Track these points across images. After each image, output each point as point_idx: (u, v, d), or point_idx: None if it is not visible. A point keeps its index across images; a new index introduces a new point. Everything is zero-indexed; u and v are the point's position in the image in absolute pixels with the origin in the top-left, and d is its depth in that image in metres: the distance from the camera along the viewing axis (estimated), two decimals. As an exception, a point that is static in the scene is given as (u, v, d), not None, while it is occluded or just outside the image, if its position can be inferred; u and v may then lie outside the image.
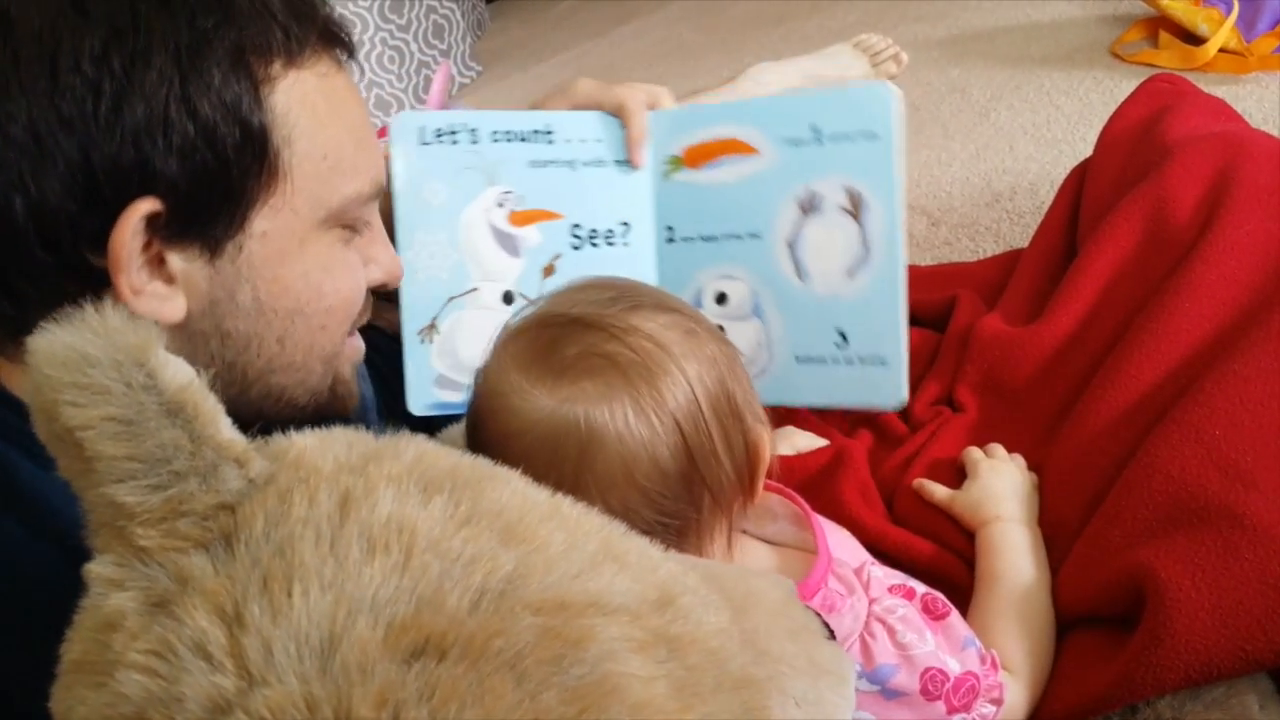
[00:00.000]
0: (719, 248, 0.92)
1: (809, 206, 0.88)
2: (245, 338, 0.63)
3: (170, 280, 0.59)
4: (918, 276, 1.03)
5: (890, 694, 0.60)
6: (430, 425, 0.70)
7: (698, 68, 2.05)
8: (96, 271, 0.56)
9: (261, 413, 0.65)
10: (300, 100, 0.61)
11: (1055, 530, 0.74)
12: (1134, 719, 0.61)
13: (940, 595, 0.64)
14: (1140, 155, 0.95)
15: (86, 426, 0.37)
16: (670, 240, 0.94)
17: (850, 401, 0.89)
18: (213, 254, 0.60)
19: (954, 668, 0.61)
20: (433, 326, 0.88)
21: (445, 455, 0.42)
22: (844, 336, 0.88)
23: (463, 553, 0.36)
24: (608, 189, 0.93)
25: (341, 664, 0.32)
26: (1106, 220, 0.90)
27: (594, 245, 0.92)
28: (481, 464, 0.43)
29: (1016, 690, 0.65)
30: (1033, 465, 0.80)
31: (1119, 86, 1.40)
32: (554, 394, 0.55)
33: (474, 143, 0.89)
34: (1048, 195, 1.18)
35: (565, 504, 0.43)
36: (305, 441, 0.41)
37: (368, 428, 0.44)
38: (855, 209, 0.86)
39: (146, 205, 0.56)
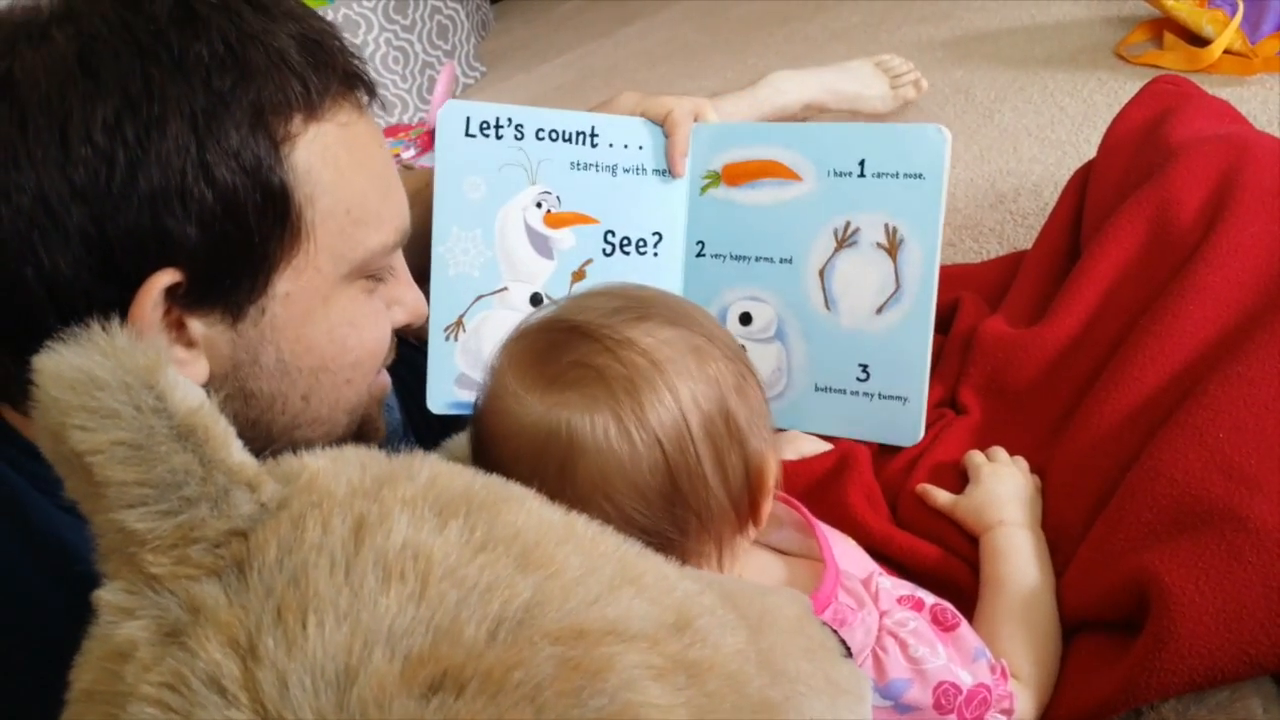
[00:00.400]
0: (749, 268, 0.92)
1: (845, 239, 0.88)
2: (270, 397, 0.61)
3: (191, 345, 0.58)
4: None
5: (903, 709, 0.60)
6: (449, 424, 0.70)
7: (701, 68, 2.05)
8: None
9: None
10: (322, 155, 0.59)
11: (1058, 534, 0.74)
12: (1138, 723, 0.61)
13: (949, 606, 0.64)
14: (1144, 157, 0.95)
15: (96, 451, 0.37)
16: (700, 255, 0.94)
17: (865, 434, 0.89)
18: (235, 318, 0.58)
19: (966, 680, 0.60)
20: (459, 324, 0.88)
21: (459, 476, 0.42)
22: (866, 370, 0.88)
23: (479, 580, 0.35)
24: (645, 197, 0.93)
25: (358, 699, 0.31)
26: (1110, 222, 0.89)
27: (625, 253, 0.92)
28: (495, 484, 0.43)
29: (1024, 697, 0.64)
30: (1035, 468, 0.80)
31: (1123, 88, 1.39)
32: (543, 400, 0.55)
33: (518, 139, 0.89)
34: (1051, 197, 1.17)
35: (580, 524, 0.43)
36: (318, 463, 0.41)
37: (394, 449, 0.44)
38: (892, 246, 0.87)
39: (166, 277, 0.54)
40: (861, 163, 0.88)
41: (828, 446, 0.88)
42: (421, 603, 0.34)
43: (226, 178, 0.55)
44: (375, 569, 0.35)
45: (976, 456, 0.81)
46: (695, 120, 0.93)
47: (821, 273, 0.90)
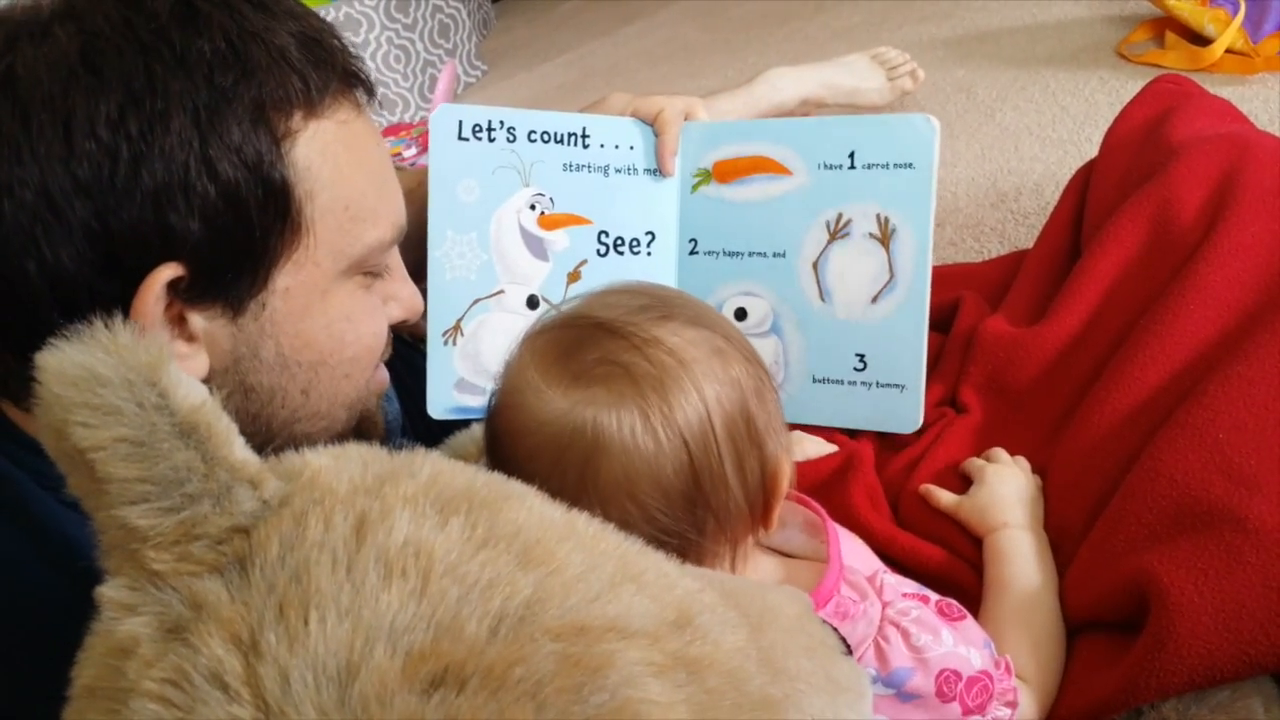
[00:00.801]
0: (742, 264, 0.93)
1: (838, 230, 0.89)
2: (269, 391, 0.62)
3: (192, 339, 0.58)
4: (922, 278, 1.03)
5: (906, 697, 0.60)
6: (450, 421, 0.70)
7: (702, 67, 2.05)
8: None
9: None
10: (321, 152, 0.59)
11: (1060, 535, 0.74)
12: (1138, 723, 0.61)
13: (954, 602, 0.64)
14: (1145, 156, 0.95)
15: (98, 448, 0.37)
16: (693, 253, 0.94)
17: (865, 424, 0.90)
18: (235, 313, 0.59)
19: (975, 661, 0.60)
20: (457, 328, 0.88)
21: (461, 473, 0.42)
22: (863, 360, 0.89)
23: (480, 577, 0.35)
24: (637, 197, 0.93)
25: (360, 695, 0.31)
26: (1111, 221, 0.89)
27: (619, 253, 0.92)
28: (497, 482, 0.43)
29: (1028, 698, 0.64)
30: (1036, 467, 0.80)
31: (1125, 87, 1.39)
32: (567, 396, 0.55)
33: (511, 141, 0.89)
34: (1053, 196, 1.17)
35: (581, 521, 0.43)
36: (320, 461, 0.41)
37: (395, 447, 0.44)
38: (885, 236, 0.88)
39: (169, 271, 0.55)
40: (851, 155, 0.88)
41: (832, 448, 0.88)
42: (423, 599, 0.34)
43: (229, 173, 0.55)
44: (377, 566, 0.35)
45: (978, 460, 0.81)
46: (686, 119, 0.93)
47: (815, 265, 0.90)
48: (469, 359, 0.88)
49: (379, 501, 0.38)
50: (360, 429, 0.69)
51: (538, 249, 0.90)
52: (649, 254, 0.93)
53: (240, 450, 0.39)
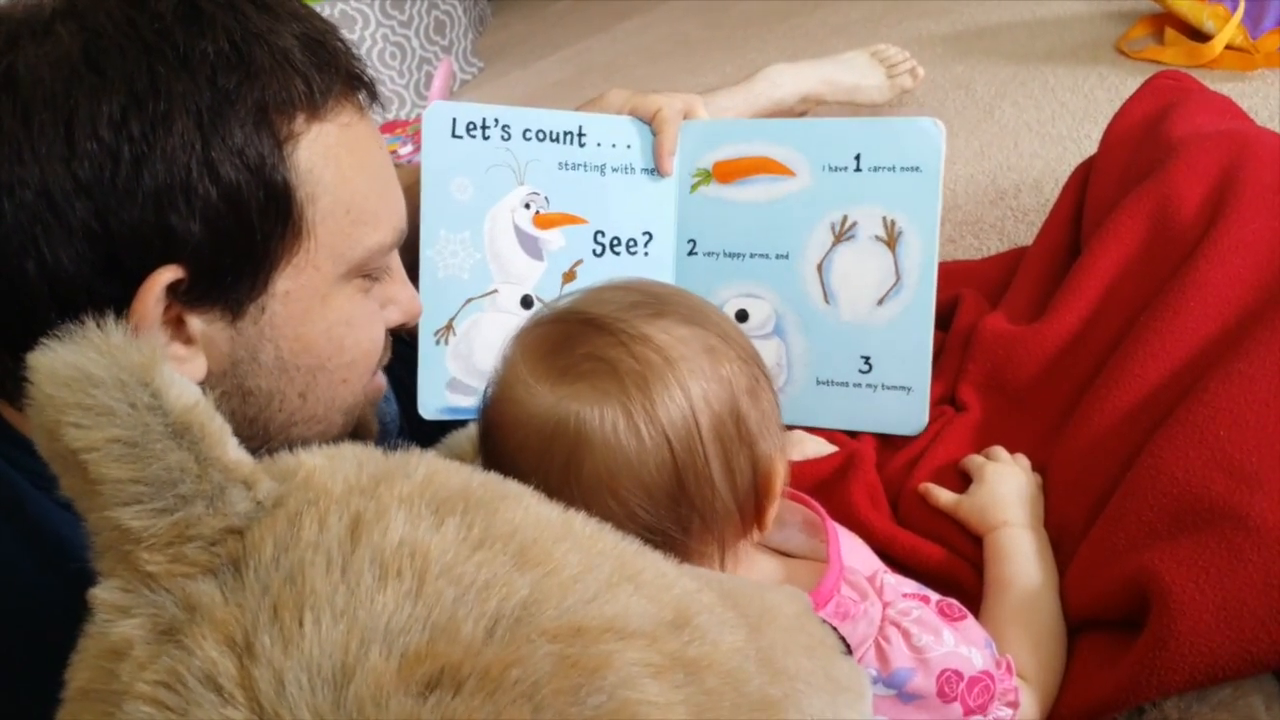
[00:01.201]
0: (743, 265, 0.93)
1: (842, 232, 0.89)
2: (267, 394, 0.61)
3: (190, 342, 0.58)
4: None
5: (907, 697, 0.60)
6: (447, 428, 0.70)
7: (701, 64, 2.04)
8: None
9: None
10: (323, 155, 0.59)
11: (1060, 533, 0.73)
12: (1140, 721, 0.61)
13: (955, 602, 0.64)
14: (1145, 153, 0.95)
15: (91, 449, 0.37)
16: (691, 253, 0.94)
17: (869, 426, 0.90)
18: (235, 316, 0.58)
19: (976, 660, 0.60)
20: (449, 328, 0.88)
21: (456, 473, 0.42)
22: (868, 362, 0.89)
23: (477, 578, 0.35)
24: (634, 197, 0.92)
25: (355, 697, 0.31)
26: (1111, 218, 0.89)
27: (615, 253, 0.92)
28: (493, 482, 0.43)
29: (1029, 697, 0.64)
30: (1036, 465, 0.80)
31: (1124, 83, 1.39)
32: (554, 391, 0.55)
33: (505, 139, 0.89)
34: (1052, 192, 1.17)
35: (578, 522, 0.42)
36: (314, 461, 0.41)
37: (392, 447, 0.43)
38: (891, 239, 0.88)
39: (169, 274, 0.54)
40: (857, 157, 0.88)
41: (833, 448, 0.88)
42: (418, 600, 0.34)
43: (231, 175, 0.55)
44: (372, 566, 0.35)
45: (977, 458, 0.81)
46: (685, 118, 0.93)
47: (819, 267, 0.90)
48: (461, 358, 0.88)
49: (374, 502, 0.38)
50: (355, 434, 0.68)
51: (532, 248, 0.90)
52: (646, 254, 0.93)
53: (234, 451, 0.38)
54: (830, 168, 0.89)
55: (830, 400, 0.91)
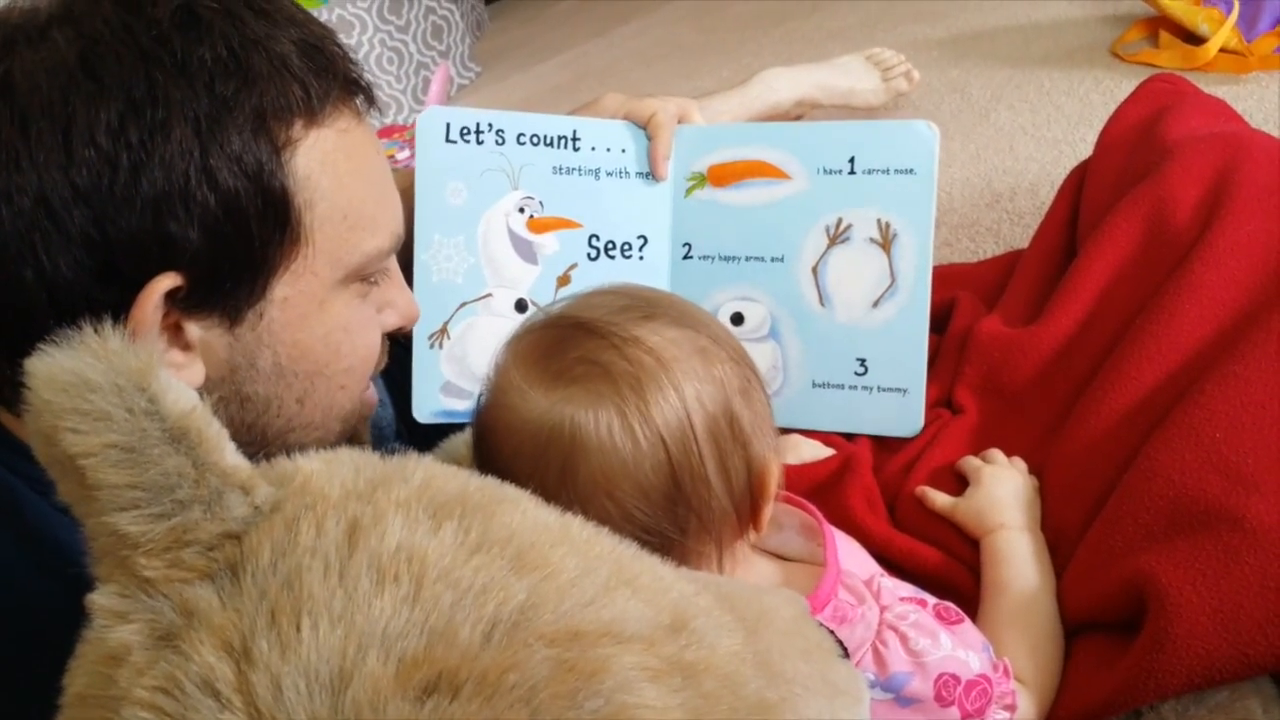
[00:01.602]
0: (738, 268, 0.93)
1: (837, 235, 0.89)
2: (265, 400, 0.61)
3: (188, 348, 0.58)
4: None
5: (905, 701, 0.60)
6: (443, 425, 0.70)
7: (698, 68, 2.05)
8: None
9: None
10: (321, 161, 0.59)
11: (1057, 536, 0.73)
12: (1137, 723, 0.60)
13: (953, 605, 0.64)
14: (1140, 156, 0.95)
15: (88, 454, 0.36)
16: (686, 257, 0.94)
17: (866, 428, 0.90)
18: (233, 322, 0.58)
19: (974, 664, 0.60)
20: (444, 331, 0.88)
21: (453, 477, 0.42)
22: (864, 364, 0.90)
23: (474, 582, 0.35)
24: (629, 201, 0.93)
25: (353, 702, 0.31)
26: (1106, 221, 0.89)
27: (610, 257, 0.92)
28: (490, 486, 0.42)
29: (1026, 700, 0.64)
30: (1033, 468, 0.80)
31: (1119, 86, 1.39)
32: (547, 395, 0.55)
33: (499, 144, 0.89)
34: (1048, 196, 1.17)
35: (575, 525, 0.42)
36: (311, 466, 0.41)
37: (389, 451, 0.43)
38: (886, 241, 0.88)
39: (168, 281, 0.54)
40: (851, 160, 0.89)
41: (829, 452, 0.88)
42: (416, 605, 0.34)
43: (229, 182, 0.54)
44: (369, 571, 0.35)
45: (974, 460, 0.81)
46: (680, 122, 0.93)
47: (815, 270, 0.90)
48: (455, 362, 0.88)
49: (371, 506, 0.38)
50: (351, 444, 0.68)
51: (526, 252, 0.90)
52: (641, 258, 0.93)
53: (231, 456, 0.39)
54: (825, 171, 0.90)
55: (826, 402, 0.91)
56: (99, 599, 0.38)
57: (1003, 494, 0.76)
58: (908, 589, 0.65)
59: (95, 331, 0.39)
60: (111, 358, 0.38)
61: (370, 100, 0.64)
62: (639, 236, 0.93)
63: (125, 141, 0.52)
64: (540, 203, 0.90)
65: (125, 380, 0.37)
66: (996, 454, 0.81)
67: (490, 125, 0.88)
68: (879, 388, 0.89)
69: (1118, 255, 0.87)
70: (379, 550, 0.36)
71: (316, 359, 0.62)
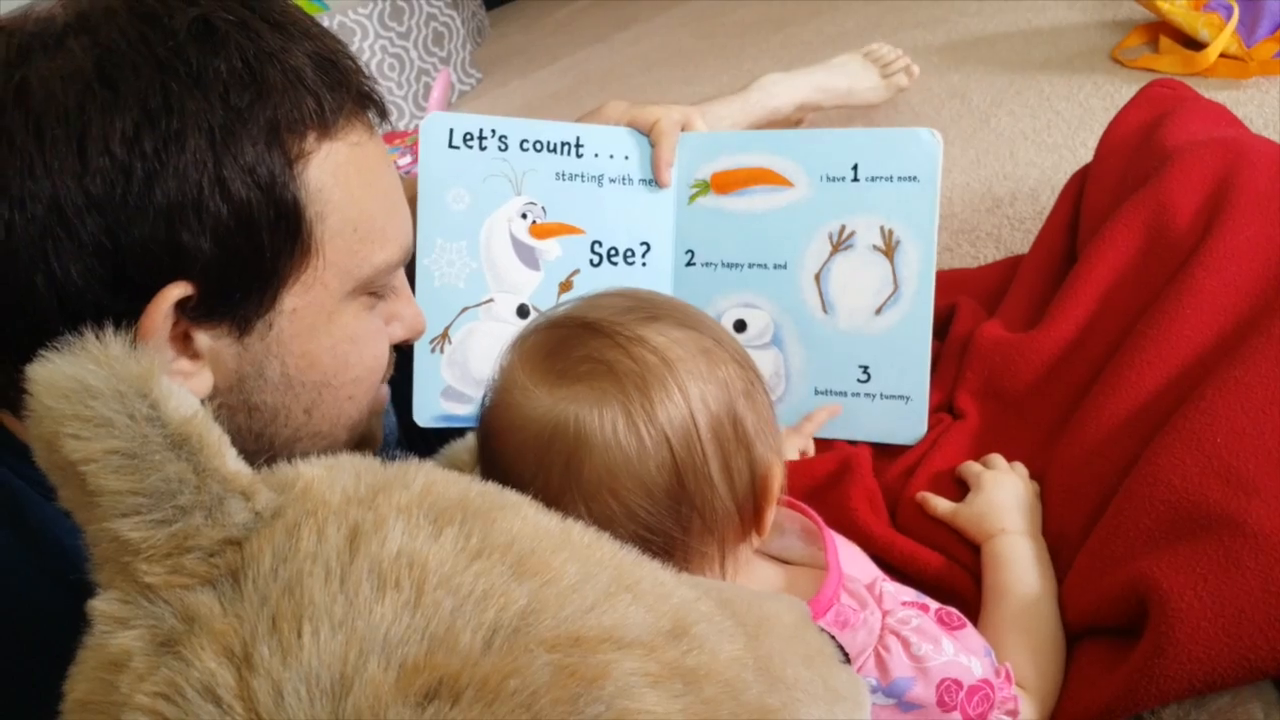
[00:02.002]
0: (741, 275, 0.93)
1: (840, 242, 0.89)
2: (273, 410, 0.62)
3: (196, 357, 0.58)
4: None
5: (907, 706, 0.60)
6: (445, 431, 0.70)
7: (698, 73, 2.05)
8: None
9: None
10: (333, 173, 0.59)
11: (1058, 541, 0.73)
12: (1139, 728, 0.60)
13: (955, 610, 0.64)
14: (1140, 161, 0.95)
15: (89, 460, 0.37)
16: (689, 264, 0.94)
17: (868, 435, 0.90)
18: (242, 332, 0.58)
19: (976, 669, 0.60)
20: (445, 336, 0.88)
21: (454, 483, 0.42)
22: (867, 372, 0.90)
23: (475, 588, 0.35)
24: (631, 207, 0.93)
25: (354, 708, 0.31)
26: (1107, 226, 0.90)
27: (613, 263, 0.92)
28: (491, 492, 0.43)
29: (1028, 705, 0.64)
30: (1034, 473, 0.80)
31: (1119, 92, 1.40)
32: (551, 394, 0.55)
33: (502, 150, 0.89)
34: (1048, 201, 1.17)
35: (576, 531, 0.42)
36: (312, 472, 0.41)
37: (390, 457, 0.43)
38: (889, 248, 0.88)
39: (179, 290, 0.54)
40: (855, 167, 0.89)
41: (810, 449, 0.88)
42: (416, 611, 0.34)
43: (242, 193, 0.55)
44: (370, 577, 0.35)
45: (975, 465, 0.81)
46: (683, 130, 0.93)
47: (817, 277, 0.90)
48: (456, 367, 0.88)
49: (372, 512, 0.38)
50: (360, 445, 0.68)
51: (529, 258, 0.90)
52: (644, 264, 0.93)
53: (232, 462, 0.39)
54: (828, 178, 0.90)
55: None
56: (100, 605, 0.38)
57: (1004, 499, 0.76)
58: (910, 594, 0.65)
59: (97, 337, 0.39)
60: (113, 364, 0.38)
61: (382, 114, 0.65)
62: (642, 243, 0.93)
63: (140, 151, 0.52)
64: (543, 208, 0.90)
65: (126, 386, 0.37)
66: (997, 459, 0.81)
67: (493, 131, 0.89)
68: (882, 395, 0.89)
69: (1118, 260, 0.87)
70: (380, 556, 0.36)
71: (324, 370, 0.62)
